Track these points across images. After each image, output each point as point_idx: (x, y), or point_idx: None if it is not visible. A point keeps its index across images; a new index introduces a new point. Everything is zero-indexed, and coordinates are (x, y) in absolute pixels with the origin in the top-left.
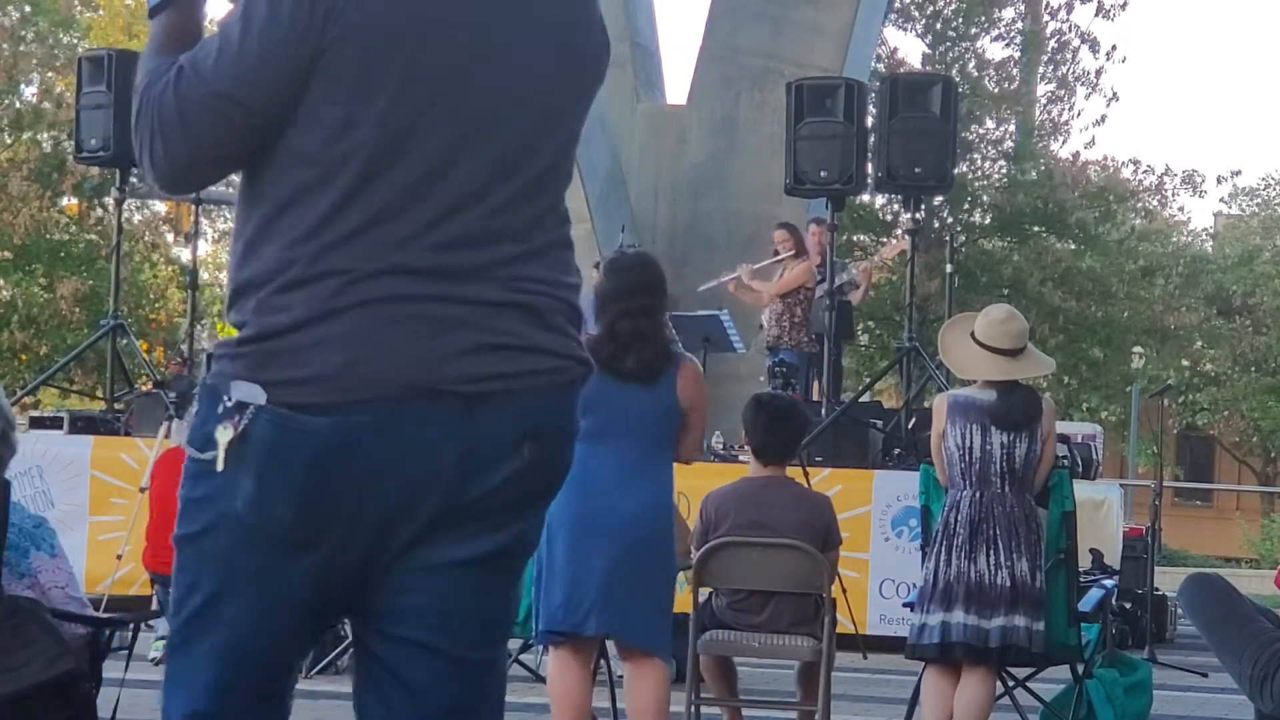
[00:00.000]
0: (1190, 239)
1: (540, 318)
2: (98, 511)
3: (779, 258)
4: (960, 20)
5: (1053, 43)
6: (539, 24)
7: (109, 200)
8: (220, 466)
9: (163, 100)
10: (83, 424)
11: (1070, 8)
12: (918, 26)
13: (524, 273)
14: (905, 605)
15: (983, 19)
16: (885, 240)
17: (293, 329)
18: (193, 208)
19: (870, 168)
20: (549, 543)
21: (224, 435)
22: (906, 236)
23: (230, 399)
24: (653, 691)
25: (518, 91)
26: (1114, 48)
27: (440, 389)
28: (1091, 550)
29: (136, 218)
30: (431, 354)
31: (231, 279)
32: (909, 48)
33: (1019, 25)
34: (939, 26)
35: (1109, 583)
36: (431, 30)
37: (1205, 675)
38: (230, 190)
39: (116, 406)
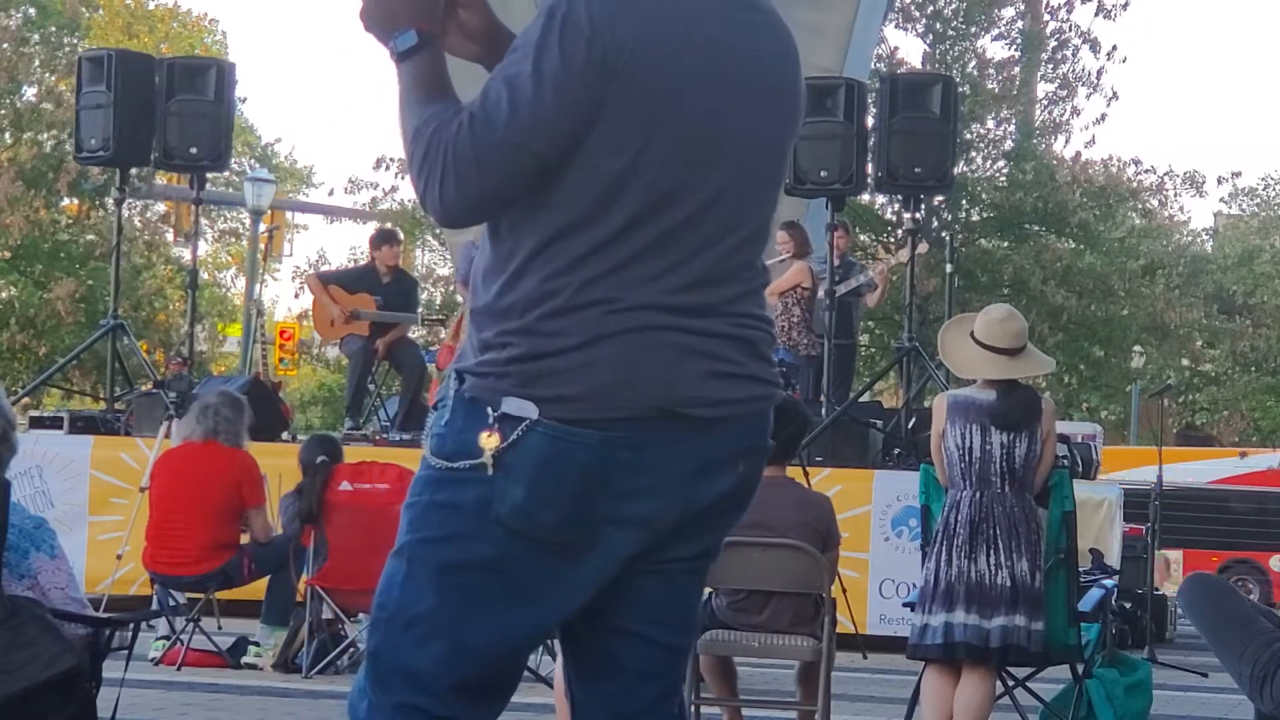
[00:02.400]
0: (1190, 238)
1: (755, 349)
2: (98, 511)
3: (780, 258)
4: (960, 20)
5: (1053, 42)
6: (773, 92)
7: (109, 200)
8: (490, 472)
9: (457, 144)
10: (83, 424)
11: (1070, 7)
12: (918, 26)
13: (743, 309)
14: (905, 605)
15: (983, 18)
16: (885, 239)
17: (565, 351)
18: (193, 208)
19: (870, 168)
20: None
21: (489, 443)
22: (913, 238)
23: (497, 411)
24: None
25: (756, 154)
26: (1114, 48)
27: (682, 412)
28: (1091, 550)
29: (136, 218)
30: (676, 379)
31: (489, 303)
32: (909, 48)
33: (1019, 25)
34: (939, 26)
35: (1109, 583)
36: (693, 96)
37: (1205, 675)
38: (230, 191)
39: (116, 406)
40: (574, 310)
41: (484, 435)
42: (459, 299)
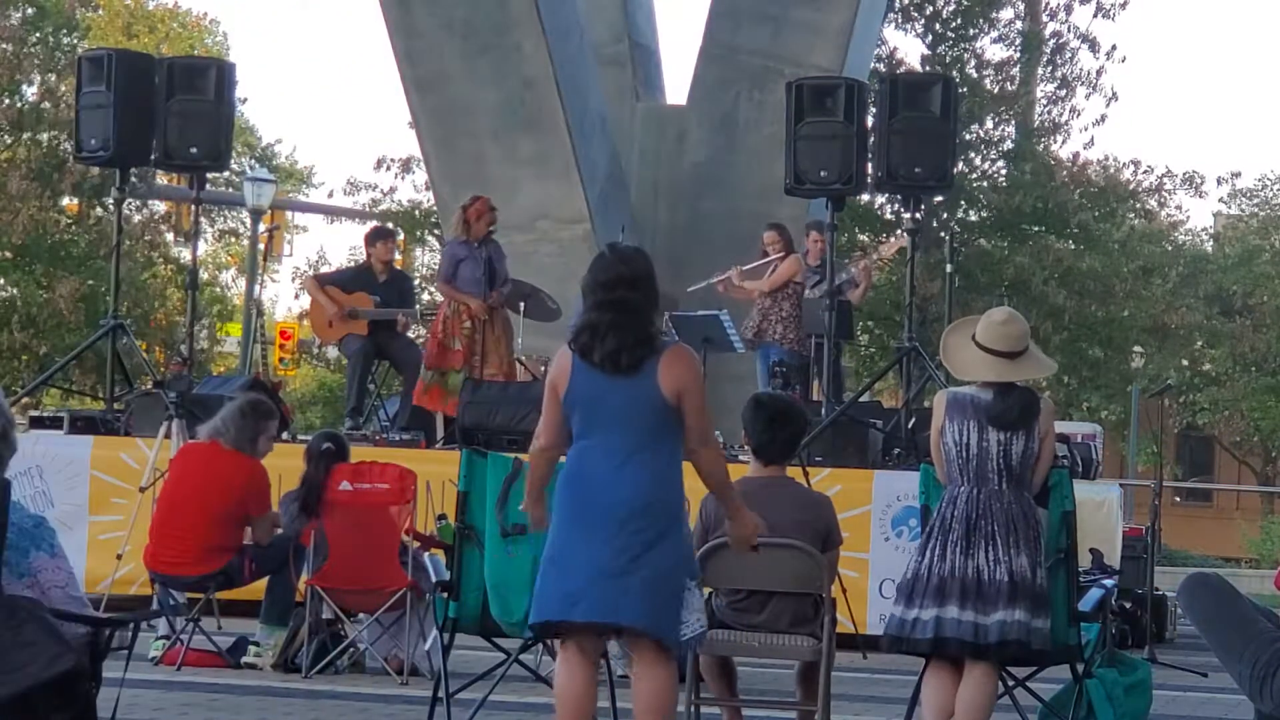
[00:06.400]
0: (1190, 239)
1: None
2: (98, 511)
3: (769, 259)
4: (960, 20)
5: (1052, 43)
6: None
7: (109, 200)
8: None
9: None
10: (83, 424)
11: (1070, 8)
12: (918, 26)
13: None
14: None
15: (982, 19)
16: (884, 238)
17: None
18: (192, 208)
19: (870, 168)
20: (549, 541)
21: None
22: (905, 235)
23: None
24: (659, 689)
25: None
26: (1114, 48)
27: None
28: (1091, 550)
29: (136, 218)
30: None
31: None
32: (909, 48)
33: (1018, 25)
34: (939, 27)
35: (1109, 583)
36: None
37: (1205, 675)
38: (230, 191)
39: (116, 406)
40: None
41: None
42: (439, 297)
